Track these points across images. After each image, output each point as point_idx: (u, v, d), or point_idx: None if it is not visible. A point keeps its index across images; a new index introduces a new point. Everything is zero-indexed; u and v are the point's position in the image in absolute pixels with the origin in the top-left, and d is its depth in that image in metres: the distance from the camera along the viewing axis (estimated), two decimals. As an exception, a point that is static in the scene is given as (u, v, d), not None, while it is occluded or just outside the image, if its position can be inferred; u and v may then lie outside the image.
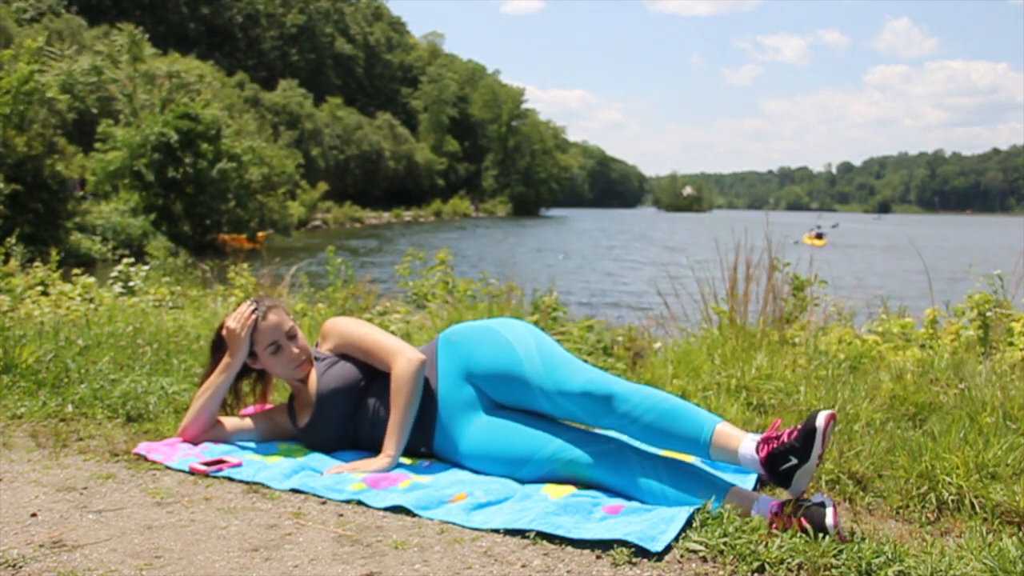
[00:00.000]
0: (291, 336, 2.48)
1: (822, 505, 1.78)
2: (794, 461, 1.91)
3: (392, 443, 2.29)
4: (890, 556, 1.64)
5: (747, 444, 1.98)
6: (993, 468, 2.10)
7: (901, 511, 2.03)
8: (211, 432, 2.48)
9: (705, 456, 2.04)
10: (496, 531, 1.85)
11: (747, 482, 2.19)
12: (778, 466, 1.93)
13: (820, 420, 1.89)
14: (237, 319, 2.47)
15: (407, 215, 62.35)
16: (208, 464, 2.26)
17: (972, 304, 4.10)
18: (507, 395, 2.26)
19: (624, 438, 2.45)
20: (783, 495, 2.13)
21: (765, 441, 1.96)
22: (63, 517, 1.90)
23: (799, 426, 1.91)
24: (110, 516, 1.92)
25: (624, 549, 1.73)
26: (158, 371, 3.21)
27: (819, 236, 30.34)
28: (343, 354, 2.47)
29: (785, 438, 1.93)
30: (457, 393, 2.31)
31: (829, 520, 1.74)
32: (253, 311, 2.48)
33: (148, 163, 26.35)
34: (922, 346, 4.01)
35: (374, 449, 2.42)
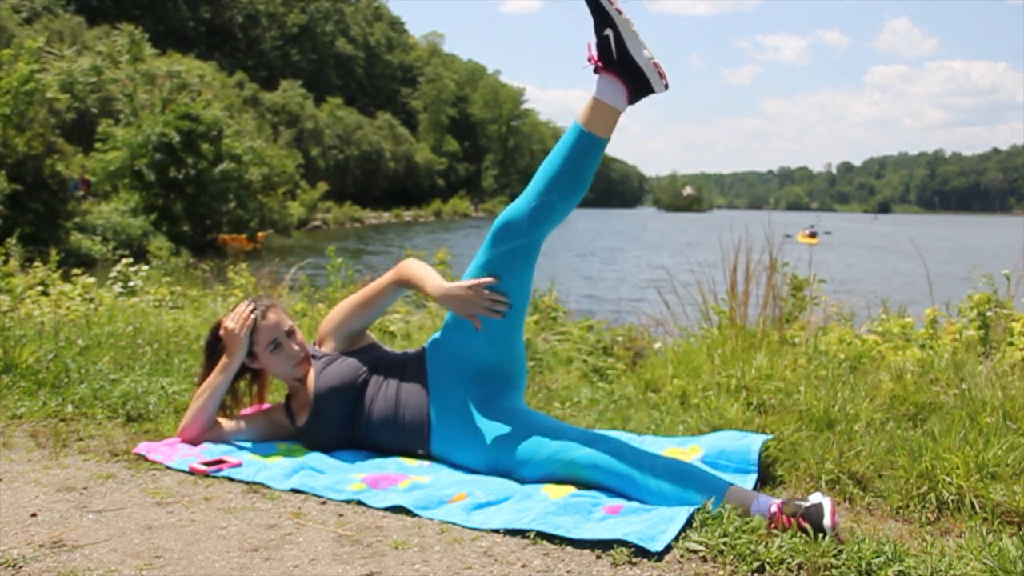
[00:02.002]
0: (290, 334, 2.48)
1: (821, 505, 1.78)
2: (610, 33, 2.01)
3: (438, 279, 2.31)
4: (890, 556, 1.64)
5: (595, 84, 2.10)
6: (993, 468, 2.10)
7: (901, 511, 2.03)
8: (210, 432, 2.48)
9: (592, 138, 2.11)
10: (496, 531, 1.85)
11: (747, 482, 2.19)
12: (611, 54, 2.03)
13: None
14: (236, 319, 2.47)
15: (407, 215, 62.32)
16: (208, 464, 2.26)
17: (972, 304, 4.10)
18: (480, 318, 2.27)
19: (624, 437, 2.46)
20: (783, 495, 2.13)
21: (591, 61, 2.05)
22: (63, 517, 1.90)
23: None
24: (110, 516, 1.92)
25: (624, 549, 1.73)
26: (158, 371, 3.21)
27: (812, 235, 30.60)
28: (344, 351, 2.47)
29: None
30: (451, 391, 2.32)
31: (827, 521, 1.74)
32: (252, 311, 2.48)
33: (149, 163, 26.35)
34: (922, 346, 4.00)
35: (373, 449, 2.43)
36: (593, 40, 2.06)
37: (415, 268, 2.38)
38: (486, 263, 2.24)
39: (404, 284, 2.41)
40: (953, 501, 2.00)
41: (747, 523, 1.80)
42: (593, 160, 2.15)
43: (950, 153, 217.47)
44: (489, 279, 2.21)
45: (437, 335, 2.43)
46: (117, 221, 24.43)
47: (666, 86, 2.08)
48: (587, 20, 2.10)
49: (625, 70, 2.03)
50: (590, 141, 2.12)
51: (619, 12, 1.96)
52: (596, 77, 2.10)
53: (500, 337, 2.30)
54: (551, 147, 2.25)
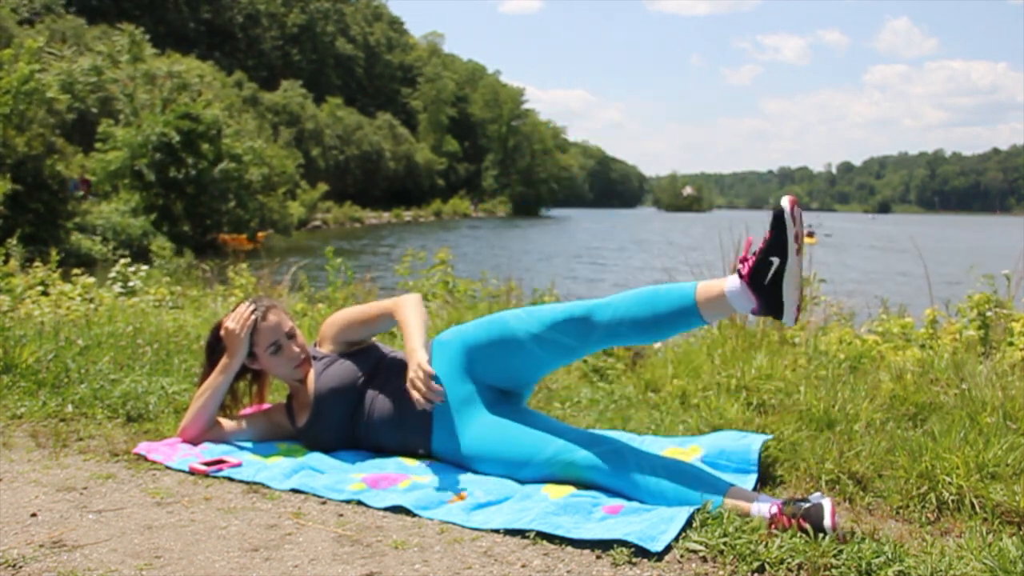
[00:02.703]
0: (291, 335, 2.48)
1: (821, 505, 1.78)
2: (775, 261, 1.92)
3: (415, 341, 2.24)
4: (890, 556, 1.64)
5: (731, 281, 2.01)
6: (993, 468, 2.10)
7: (901, 511, 2.03)
8: (210, 432, 2.48)
9: (698, 318, 2.06)
10: (496, 531, 1.85)
11: (747, 482, 2.19)
12: (763, 278, 1.93)
13: (784, 203, 1.92)
14: (236, 320, 2.47)
15: (407, 215, 62.32)
16: (208, 464, 2.26)
17: (972, 304, 4.10)
18: (503, 364, 2.28)
19: (625, 438, 2.46)
20: (783, 495, 2.13)
21: (742, 262, 2.00)
22: (63, 517, 1.90)
23: (768, 229, 1.91)
24: (110, 516, 1.92)
25: (624, 549, 1.73)
26: (158, 371, 3.21)
27: (811, 234, 30.76)
28: (343, 352, 2.47)
29: (761, 246, 1.96)
30: (456, 391, 2.31)
31: (827, 521, 1.74)
32: (252, 311, 2.48)
33: (149, 163, 26.36)
34: (922, 346, 4.00)
35: (374, 449, 2.43)
36: (757, 246, 1.98)
37: (409, 313, 2.34)
38: (539, 336, 2.20)
39: (396, 319, 2.40)
40: (953, 501, 2.00)
41: (747, 523, 1.80)
42: (684, 328, 2.13)
43: (950, 153, 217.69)
44: (437, 387, 2.15)
45: (448, 336, 2.42)
46: (117, 221, 24.44)
47: (795, 322, 2.04)
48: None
49: (767, 297, 1.97)
50: (694, 318, 2.06)
51: (797, 253, 1.92)
52: (737, 279, 2.01)
53: (525, 378, 2.33)
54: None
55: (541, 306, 2.28)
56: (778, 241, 1.93)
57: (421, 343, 2.26)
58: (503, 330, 2.27)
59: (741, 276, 1.99)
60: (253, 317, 2.47)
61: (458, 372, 2.32)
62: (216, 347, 2.52)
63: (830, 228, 48.98)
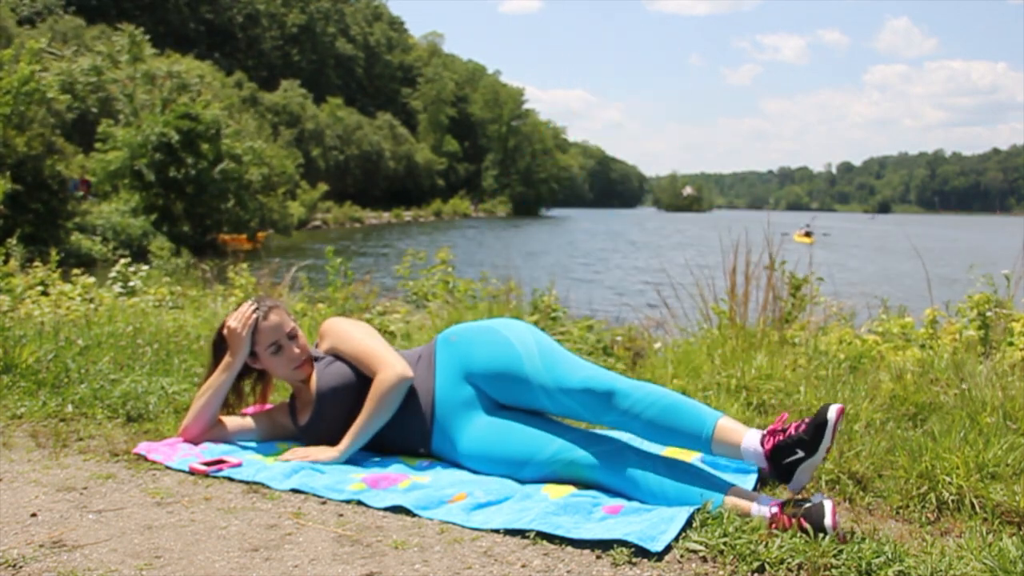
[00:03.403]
0: (292, 336, 2.48)
1: (821, 505, 1.78)
2: (800, 454, 1.91)
3: (347, 440, 2.33)
4: (890, 556, 1.64)
5: (750, 438, 1.99)
6: (993, 468, 2.10)
7: (901, 511, 2.03)
8: (212, 432, 2.48)
9: (707, 451, 2.04)
10: (496, 531, 1.85)
11: (747, 482, 2.19)
12: (782, 459, 1.93)
13: (831, 413, 1.89)
14: (238, 319, 2.47)
15: (407, 215, 62.33)
16: (208, 464, 2.26)
17: (972, 304, 4.09)
18: (508, 394, 2.26)
19: (625, 438, 2.45)
20: (783, 495, 2.13)
21: (771, 434, 1.96)
22: (63, 517, 1.90)
23: (807, 420, 1.92)
24: (110, 516, 1.92)
25: (624, 549, 1.73)
26: (158, 371, 3.21)
27: (808, 234, 30.87)
28: (338, 355, 2.47)
29: (793, 431, 1.93)
30: (456, 393, 2.31)
31: (828, 520, 1.74)
32: (254, 311, 2.48)
33: (149, 163, 26.36)
34: (922, 346, 4.00)
35: (374, 448, 2.43)
36: (790, 428, 1.97)
37: (374, 406, 2.31)
38: (550, 394, 2.17)
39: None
40: (953, 501, 2.00)
41: (747, 523, 1.80)
42: (686, 447, 2.10)
43: (950, 153, 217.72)
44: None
45: (450, 335, 2.41)
46: (117, 221, 24.45)
47: (799, 492, 2.03)
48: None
49: (780, 472, 1.97)
50: (703, 448, 2.04)
51: (826, 453, 1.92)
52: (757, 438, 1.99)
53: (531, 408, 2.29)
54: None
55: (560, 358, 2.22)
56: (812, 441, 1.91)
57: (346, 447, 2.31)
58: (515, 370, 2.23)
59: (763, 445, 1.97)
60: (255, 316, 2.47)
61: (459, 375, 2.32)
62: (220, 346, 2.53)
63: (828, 228, 49.04)
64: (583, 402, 2.13)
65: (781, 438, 1.94)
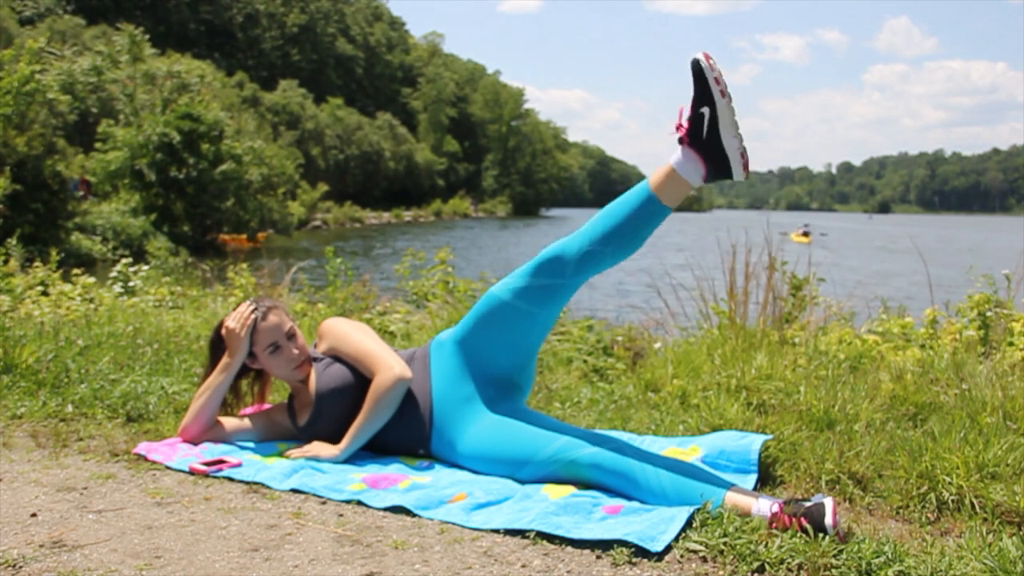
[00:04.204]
0: (290, 336, 2.48)
1: (822, 504, 1.78)
2: (706, 111, 2.00)
3: (347, 441, 2.35)
4: (890, 556, 1.64)
5: (675, 154, 2.07)
6: (993, 468, 2.10)
7: (901, 511, 2.03)
8: (211, 432, 2.48)
9: (660, 206, 2.09)
10: (496, 531, 1.85)
11: (747, 482, 2.19)
12: (700, 132, 2.01)
13: (698, 55, 1.97)
14: (237, 319, 2.47)
15: (407, 215, 62.32)
16: (208, 464, 2.26)
17: (972, 304, 4.09)
18: (498, 339, 2.28)
19: (625, 438, 2.46)
20: (784, 495, 2.13)
21: (679, 129, 2.05)
22: (63, 517, 1.90)
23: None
24: (110, 516, 1.92)
25: (624, 549, 1.73)
26: (158, 371, 3.21)
27: (805, 234, 30.94)
28: (337, 356, 2.48)
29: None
30: (455, 392, 2.32)
31: (828, 520, 1.74)
32: (253, 311, 2.48)
33: (150, 163, 26.37)
34: (922, 346, 4.00)
35: (373, 448, 2.43)
36: (687, 110, 2.03)
37: (373, 407, 2.32)
38: (523, 288, 2.22)
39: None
40: (953, 501, 2.00)
41: (747, 523, 1.80)
42: (654, 224, 2.14)
43: (950, 153, 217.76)
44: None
45: (444, 335, 2.42)
46: (117, 221, 24.46)
47: (746, 176, 2.07)
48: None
49: (710, 152, 2.01)
50: (655, 207, 2.09)
51: (723, 95, 1.94)
52: (679, 146, 2.06)
53: (522, 351, 2.32)
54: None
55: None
56: (702, 91, 1.96)
57: (346, 446, 2.33)
58: (488, 300, 2.28)
59: (681, 141, 2.04)
60: (253, 317, 2.47)
61: (457, 372, 2.33)
62: (218, 346, 2.53)
63: (825, 228, 49.05)
64: (547, 271, 2.18)
65: (687, 121, 2.04)
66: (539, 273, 2.20)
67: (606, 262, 2.16)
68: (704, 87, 1.98)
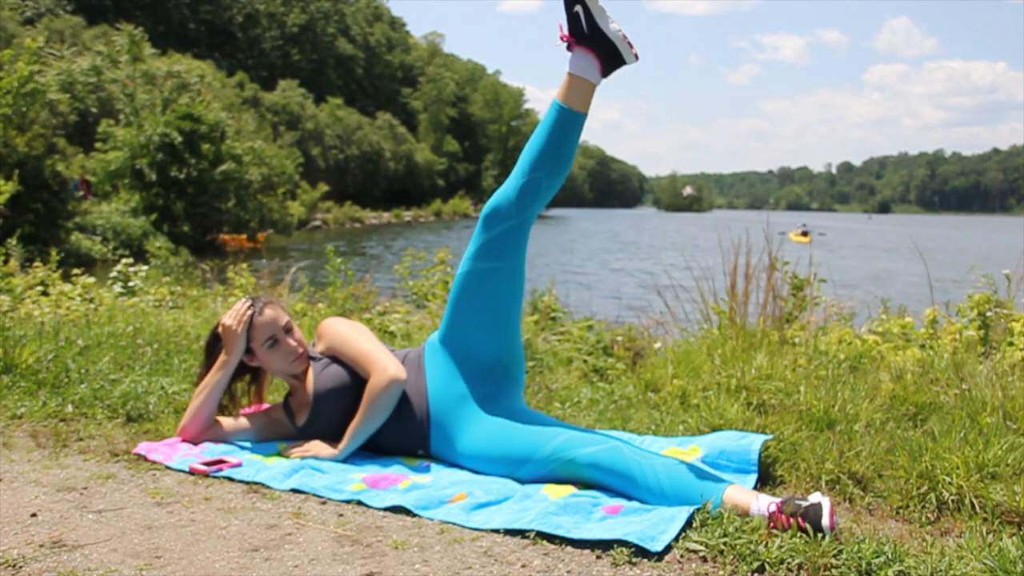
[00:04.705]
0: (288, 330, 2.48)
1: (819, 505, 1.78)
2: (579, 8, 2.12)
3: (345, 441, 2.35)
4: (890, 556, 1.64)
5: (569, 59, 2.19)
6: (993, 468, 2.10)
7: (901, 511, 2.02)
8: (210, 431, 2.48)
9: (571, 113, 2.18)
10: (496, 531, 1.85)
11: (747, 482, 2.19)
12: (581, 28, 2.13)
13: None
14: (233, 316, 2.47)
15: (407, 215, 62.30)
16: (208, 464, 2.26)
17: (972, 304, 4.09)
18: (474, 308, 2.29)
19: (625, 438, 2.45)
20: (783, 495, 2.13)
21: (562, 39, 2.16)
22: (63, 517, 1.90)
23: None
24: (110, 516, 1.92)
25: (624, 549, 1.73)
26: (158, 371, 3.21)
27: (804, 234, 31.00)
28: (335, 356, 2.48)
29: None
30: (450, 390, 2.32)
31: (826, 521, 1.74)
32: (249, 307, 2.48)
33: (150, 163, 26.36)
34: (922, 346, 4.00)
35: (371, 448, 2.43)
36: (564, 20, 2.16)
37: (369, 409, 2.32)
38: (479, 248, 2.27)
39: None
40: (953, 501, 2.00)
41: (747, 523, 1.80)
42: (573, 135, 2.22)
43: (950, 153, 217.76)
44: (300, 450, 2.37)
45: (434, 336, 2.43)
46: (117, 221, 24.44)
47: (636, 56, 2.16)
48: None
49: (596, 43, 2.13)
50: (569, 116, 2.19)
51: None
52: (569, 54, 2.18)
53: (499, 328, 2.32)
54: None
55: None
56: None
57: (344, 447, 2.34)
58: (455, 281, 2.33)
59: (569, 47, 2.15)
60: (249, 313, 2.47)
61: (450, 369, 2.33)
62: (215, 345, 2.53)
63: (824, 228, 49.06)
64: (490, 224, 2.24)
65: (564, 25, 2.16)
66: (487, 228, 2.25)
67: (543, 188, 2.23)
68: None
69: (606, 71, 2.19)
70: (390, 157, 67.88)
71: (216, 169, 27.30)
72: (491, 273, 2.26)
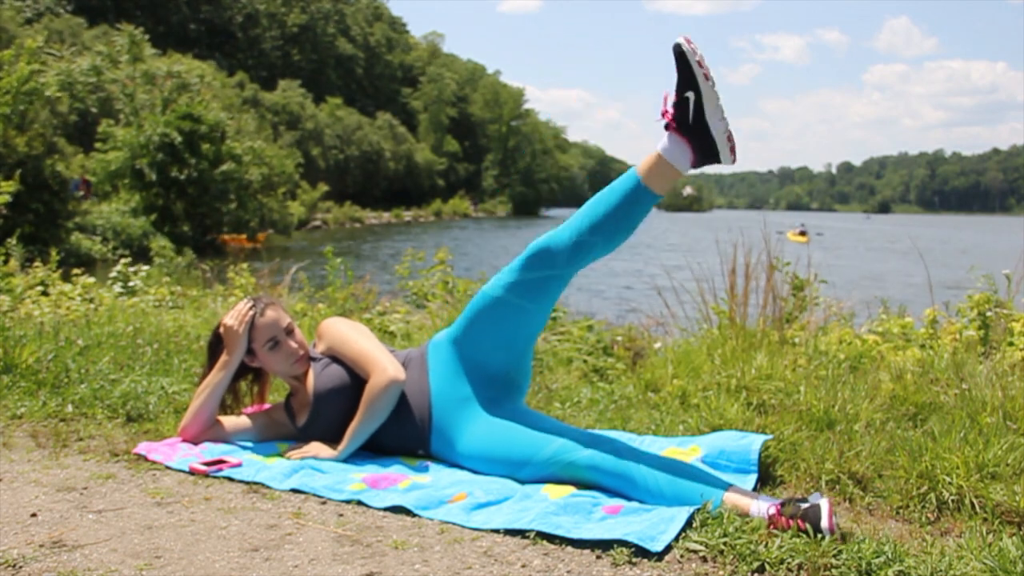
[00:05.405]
0: (289, 332, 2.49)
1: (818, 507, 1.78)
2: (691, 96, 1.98)
3: (345, 442, 2.35)
4: (890, 556, 1.64)
5: (662, 140, 2.06)
6: (993, 468, 2.10)
7: (901, 511, 2.03)
8: (211, 431, 2.48)
9: (648, 193, 2.08)
10: (496, 531, 1.85)
11: (747, 482, 2.19)
12: (687, 117, 2.01)
13: (679, 39, 1.95)
14: (235, 316, 2.47)
15: (407, 215, 62.28)
16: (208, 464, 2.26)
17: (972, 304, 4.09)
18: (492, 335, 2.28)
19: (624, 438, 2.45)
20: (783, 495, 2.13)
21: (664, 116, 2.04)
22: (63, 517, 1.90)
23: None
24: (110, 516, 1.92)
25: (624, 549, 1.73)
26: (158, 371, 3.21)
27: (802, 233, 30.98)
28: (335, 356, 2.48)
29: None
30: (453, 392, 2.32)
31: (825, 522, 1.74)
32: (250, 308, 2.48)
33: (150, 163, 26.36)
34: (922, 346, 4.00)
35: (371, 447, 2.43)
36: (672, 95, 2.02)
37: (369, 409, 2.33)
38: (515, 283, 2.21)
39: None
40: (953, 501, 2.00)
41: (747, 523, 1.80)
42: (643, 212, 2.13)
43: (950, 153, 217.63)
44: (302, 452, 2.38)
45: (440, 336, 2.43)
46: (117, 221, 24.45)
47: (734, 160, 2.05)
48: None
49: (697, 136, 2.00)
50: (644, 195, 2.08)
51: (707, 79, 1.93)
52: (665, 133, 2.05)
53: (517, 347, 2.32)
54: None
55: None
56: (686, 75, 1.95)
57: (344, 447, 2.34)
58: (481, 298, 2.28)
59: (668, 128, 2.02)
60: (251, 313, 2.47)
61: (455, 372, 2.33)
62: (217, 346, 2.53)
63: (822, 228, 49.02)
64: (538, 264, 2.18)
65: (672, 107, 2.03)
66: (530, 267, 2.20)
67: (596, 252, 2.16)
68: (687, 71, 1.96)
69: (698, 164, 2.06)
70: (390, 157, 67.88)
71: (216, 169, 27.29)
72: (520, 309, 2.24)
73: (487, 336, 2.29)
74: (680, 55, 1.97)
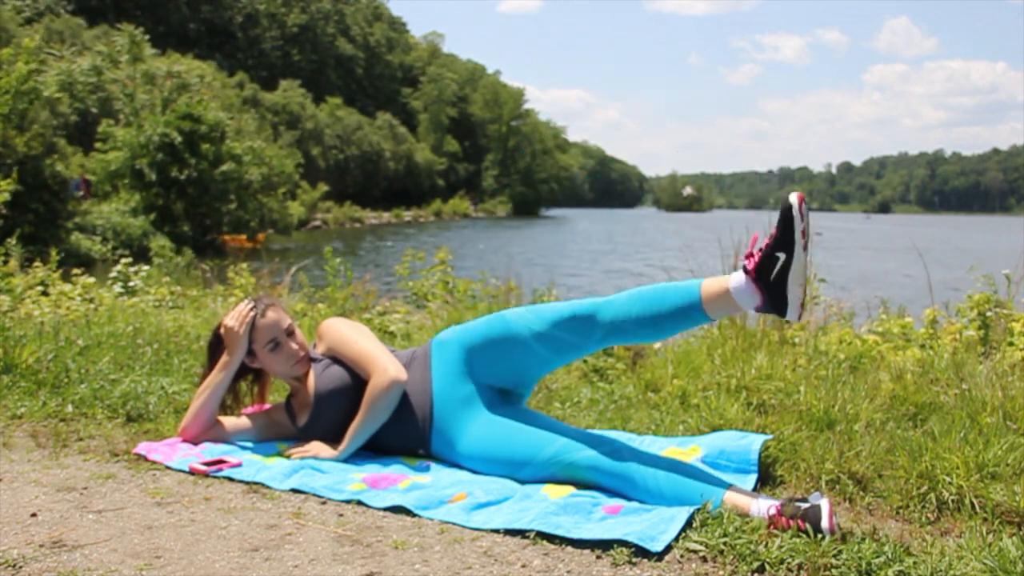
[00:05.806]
0: (289, 333, 2.48)
1: (818, 507, 1.78)
2: (782, 257, 1.94)
3: (345, 442, 2.36)
4: (890, 556, 1.64)
5: (735, 277, 2.02)
6: (993, 468, 2.10)
7: (901, 511, 2.03)
8: (211, 432, 2.48)
9: (703, 315, 2.07)
10: (496, 531, 1.85)
11: (747, 482, 2.19)
12: (769, 274, 1.96)
13: (792, 198, 1.92)
14: (235, 317, 2.47)
15: (407, 215, 62.32)
16: (208, 464, 2.26)
17: (972, 304, 4.09)
18: (504, 363, 2.28)
19: (624, 438, 2.45)
20: (782, 495, 2.13)
21: (747, 258, 2.02)
22: (63, 517, 1.90)
23: (774, 225, 1.92)
24: (110, 516, 1.92)
25: (624, 549, 1.73)
26: (158, 371, 3.21)
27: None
28: (335, 356, 2.48)
29: (767, 242, 1.98)
30: (455, 391, 2.31)
31: (825, 523, 1.74)
32: (251, 309, 2.48)
33: (150, 163, 26.37)
34: (922, 346, 4.00)
35: (373, 448, 2.43)
36: (762, 242, 2.02)
37: (370, 409, 2.33)
38: (544, 335, 2.21)
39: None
40: (953, 501, 2.00)
41: (747, 523, 1.80)
42: (689, 327, 2.17)
43: (950, 153, 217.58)
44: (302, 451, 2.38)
45: (446, 335, 2.42)
46: (117, 221, 24.46)
47: (799, 319, 2.06)
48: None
49: (771, 291, 1.99)
50: (699, 316, 2.08)
51: (804, 249, 1.93)
52: (743, 275, 2.03)
53: (529, 378, 2.35)
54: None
55: (544, 304, 2.29)
56: (785, 237, 1.95)
57: (344, 448, 2.34)
58: (504, 329, 2.27)
59: (747, 271, 2.01)
60: (252, 314, 2.47)
61: (457, 372, 2.32)
62: (217, 346, 2.53)
63: (820, 228, 49.00)
64: (573, 328, 2.17)
65: (759, 256, 1.98)
66: (566, 327, 2.19)
67: (631, 340, 2.17)
68: (788, 234, 1.94)
69: (762, 311, 2.07)
70: (390, 157, 67.91)
71: (216, 169, 27.30)
72: (542, 359, 2.26)
73: (501, 362, 2.29)
74: (787, 216, 1.93)
